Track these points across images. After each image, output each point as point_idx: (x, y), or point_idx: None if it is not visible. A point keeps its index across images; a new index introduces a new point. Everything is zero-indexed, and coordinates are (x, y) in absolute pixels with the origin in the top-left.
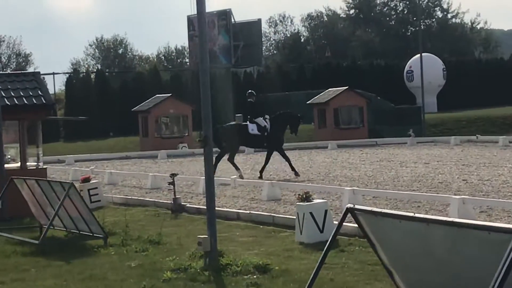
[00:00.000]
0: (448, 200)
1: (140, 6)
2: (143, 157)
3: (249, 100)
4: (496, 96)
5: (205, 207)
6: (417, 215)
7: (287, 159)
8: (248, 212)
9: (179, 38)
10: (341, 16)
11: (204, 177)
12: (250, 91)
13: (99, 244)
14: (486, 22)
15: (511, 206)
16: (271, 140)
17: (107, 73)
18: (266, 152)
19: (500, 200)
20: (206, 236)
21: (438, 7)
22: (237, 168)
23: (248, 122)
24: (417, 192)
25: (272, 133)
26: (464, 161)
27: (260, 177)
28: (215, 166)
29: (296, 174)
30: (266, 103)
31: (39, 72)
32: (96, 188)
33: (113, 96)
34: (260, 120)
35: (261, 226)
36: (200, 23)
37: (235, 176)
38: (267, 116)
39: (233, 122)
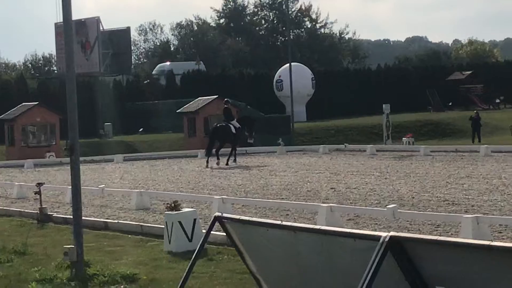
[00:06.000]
0: (316, 208)
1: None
2: (9, 166)
3: (225, 106)
4: (364, 106)
5: (72, 217)
6: (284, 223)
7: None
8: (116, 221)
9: (47, 46)
10: (211, 25)
11: (71, 187)
12: (226, 99)
13: None
14: (354, 33)
15: (378, 213)
16: (239, 138)
17: None
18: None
19: (367, 208)
20: (73, 246)
21: (307, 18)
22: (218, 158)
23: (225, 124)
24: (286, 201)
25: (239, 133)
26: (332, 169)
27: (227, 164)
28: (210, 155)
29: (226, 164)
30: (136, 112)
31: None
32: None
33: None
34: (235, 122)
35: (129, 236)
36: (66, 31)
37: (103, 186)
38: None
39: (223, 123)
